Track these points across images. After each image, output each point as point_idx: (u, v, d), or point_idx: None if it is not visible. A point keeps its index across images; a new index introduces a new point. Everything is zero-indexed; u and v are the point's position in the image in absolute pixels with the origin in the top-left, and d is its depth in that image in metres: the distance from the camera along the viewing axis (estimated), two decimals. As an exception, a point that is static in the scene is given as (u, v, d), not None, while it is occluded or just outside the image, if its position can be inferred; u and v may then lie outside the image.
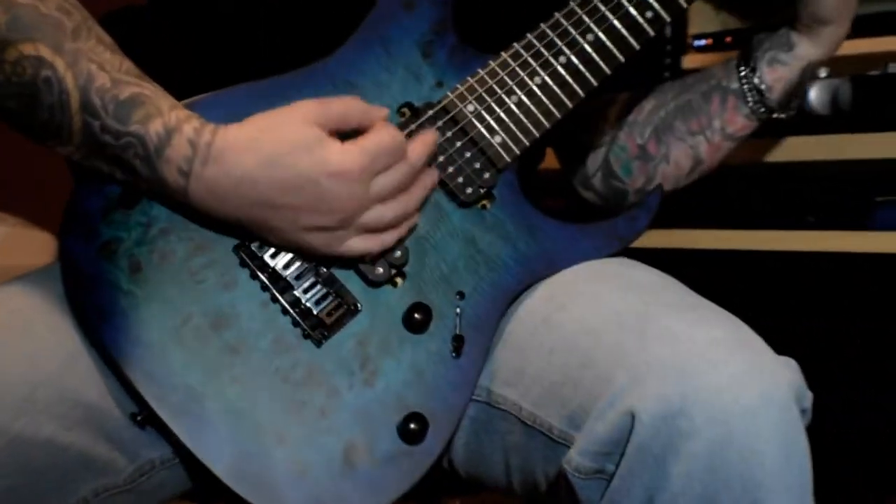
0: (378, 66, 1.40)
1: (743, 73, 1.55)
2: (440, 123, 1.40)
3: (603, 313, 1.32)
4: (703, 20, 2.21)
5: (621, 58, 1.44)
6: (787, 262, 1.72)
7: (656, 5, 1.45)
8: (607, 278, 1.38)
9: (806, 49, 1.54)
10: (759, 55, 1.55)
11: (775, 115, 1.57)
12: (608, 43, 1.44)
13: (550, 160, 1.72)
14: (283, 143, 1.27)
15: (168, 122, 1.26)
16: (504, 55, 1.42)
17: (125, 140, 1.26)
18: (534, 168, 1.60)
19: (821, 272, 1.75)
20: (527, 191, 1.43)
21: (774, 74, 1.55)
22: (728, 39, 2.12)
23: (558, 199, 1.75)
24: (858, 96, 1.68)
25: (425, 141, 1.35)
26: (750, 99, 1.55)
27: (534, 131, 1.42)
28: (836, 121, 1.70)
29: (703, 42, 2.15)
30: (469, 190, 1.40)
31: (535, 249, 1.41)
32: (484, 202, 1.41)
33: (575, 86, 1.43)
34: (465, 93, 1.41)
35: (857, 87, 1.69)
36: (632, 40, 1.44)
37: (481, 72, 1.42)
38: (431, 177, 1.37)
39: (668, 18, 1.45)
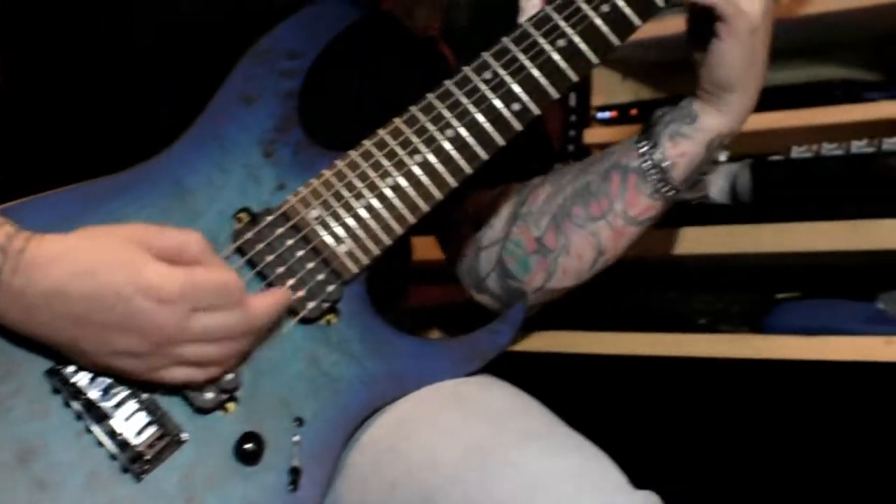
0: (213, 166, 1.28)
1: (643, 150, 1.41)
2: (280, 231, 1.27)
3: (449, 444, 1.21)
4: (608, 90, 2.10)
5: (484, 155, 1.32)
6: (678, 369, 1.59)
7: (524, 97, 1.33)
8: (460, 402, 1.27)
9: (710, 120, 1.39)
10: (660, 129, 1.40)
11: (682, 196, 1.42)
12: (470, 139, 1.32)
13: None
14: (99, 256, 1.16)
15: None
16: (353, 154, 1.30)
17: None
18: (398, 269, 1.47)
19: (712, 380, 1.62)
20: (377, 304, 1.31)
21: (677, 149, 1.40)
22: (633, 112, 2.01)
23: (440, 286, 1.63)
24: (758, 184, 1.56)
25: (276, 298, 1.22)
26: (652, 177, 1.40)
27: (385, 239, 1.30)
28: (735, 210, 1.59)
29: (607, 114, 2.04)
30: (311, 305, 1.27)
31: (384, 369, 1.29)
32: (328, 317, 1.29)
33: (432, 187, 1.31)
34: (309, 197, 1.28)
35: (757, 174, 1.57)
36: (496, 136, 1.32)
37: (327, 173, 1.29)
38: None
39: (536, 111, 1.33)
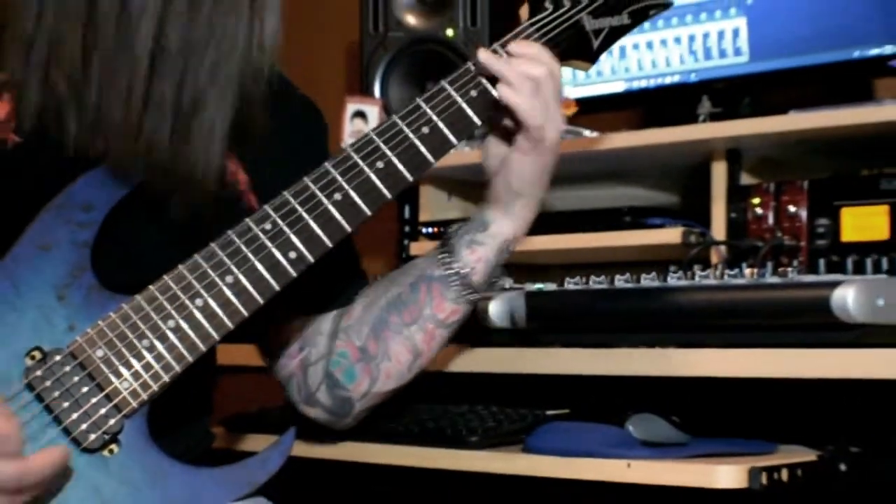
0: (8, 307, 1.42)
1: (444, 260, 1.61)
2: (68, 368, 1.41)
3: None
4: (435, 207, 2.27)
5: (261, 300, 1.47)
6: (449, 484, 1.75)
7: (301, 246, 1.48)
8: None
9: (500, 225, 1.61)
10: (458, 240, 1.62)
11: (481, 297, 1.64)
12: (248, 285, 1.47)
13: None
14: None
15: None
16: (138, 297, 1.45)
17: None
18: (199, 387, 1.61)
19: (484, 495, 1.78)
20: (156, 435, 1.45)
21: (474, 255, 1.61)
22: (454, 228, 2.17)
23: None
24: (531, 311, 1.72)
25: (52, 456, 1.35)
26: (453, 284, 1.61)
27: (164, 377, 1.44)
28: (512, 334, 1.75)
29: (430, 230, 2.21)
30: (92, 436, 1.41)
31: (159, 497, 1.43)
32: (110, 447, 1.43)
33: (209, 328, 1.45)
34: (95, 337, 1.43)
35: (530, 302, 1.73)
36: (272, 282, 1.47)
37: (113, 315, 1.44)
38: None
39: (312, 259, 1.49)
